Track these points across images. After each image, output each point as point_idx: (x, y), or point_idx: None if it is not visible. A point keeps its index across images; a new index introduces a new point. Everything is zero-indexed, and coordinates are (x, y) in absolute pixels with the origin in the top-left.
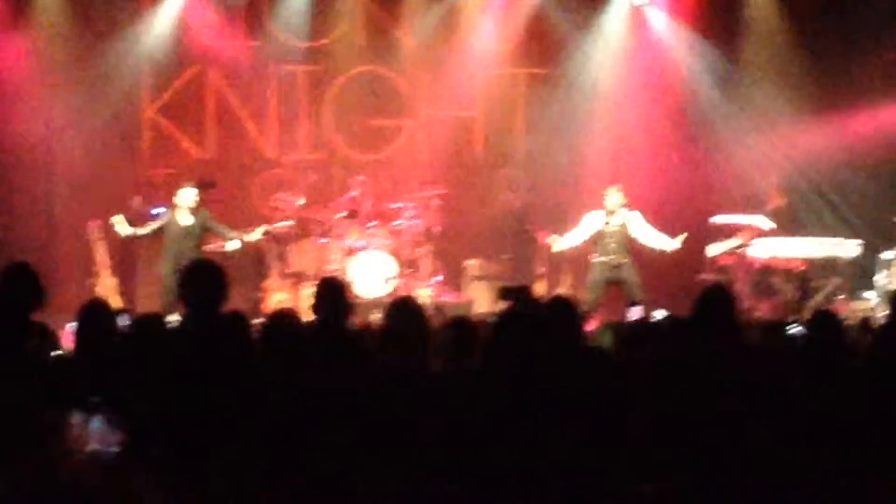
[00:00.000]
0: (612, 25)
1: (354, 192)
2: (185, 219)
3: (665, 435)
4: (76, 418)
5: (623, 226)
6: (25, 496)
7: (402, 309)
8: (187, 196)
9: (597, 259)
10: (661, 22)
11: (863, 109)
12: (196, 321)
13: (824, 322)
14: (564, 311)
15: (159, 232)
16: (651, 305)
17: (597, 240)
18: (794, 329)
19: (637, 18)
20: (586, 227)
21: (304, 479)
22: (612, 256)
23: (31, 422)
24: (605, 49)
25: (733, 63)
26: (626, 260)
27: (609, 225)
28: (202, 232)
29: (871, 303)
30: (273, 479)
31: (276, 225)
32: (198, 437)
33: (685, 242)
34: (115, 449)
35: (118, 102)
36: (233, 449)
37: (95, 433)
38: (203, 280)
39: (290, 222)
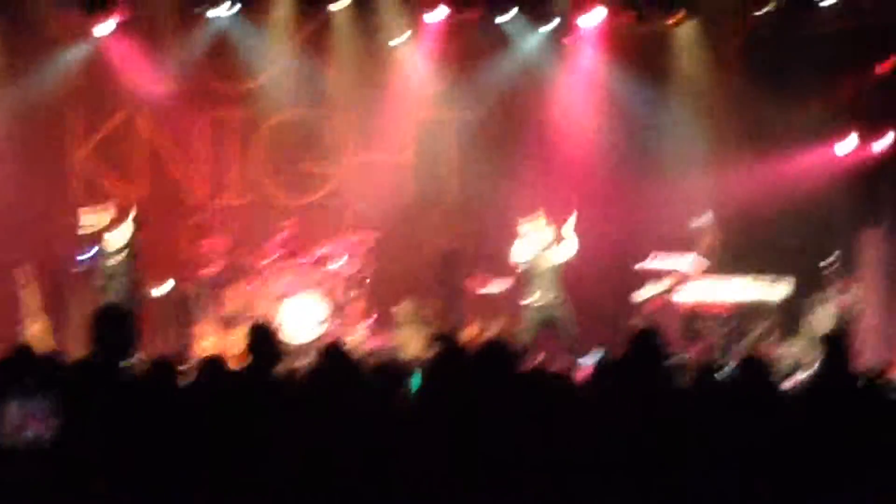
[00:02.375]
0: (543, 66)
1: (284, 236)
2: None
3: (597, 475)
4: (13, 405)
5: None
6: None
7: (331, 354)
8: (117, 236)
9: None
10: (590, 61)
11: (793, 150)
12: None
13: (752, 366)
14: (499, 356)
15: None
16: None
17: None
18: (723, 373)
19: (568, 58)
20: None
21: None
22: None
23: None
24: (536, 90)
25: (663, 104)
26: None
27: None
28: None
29: (798, 347)
30: None
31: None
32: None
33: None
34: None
35: (45, 143)
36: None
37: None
38: (112, 326)
39: (218, 266)
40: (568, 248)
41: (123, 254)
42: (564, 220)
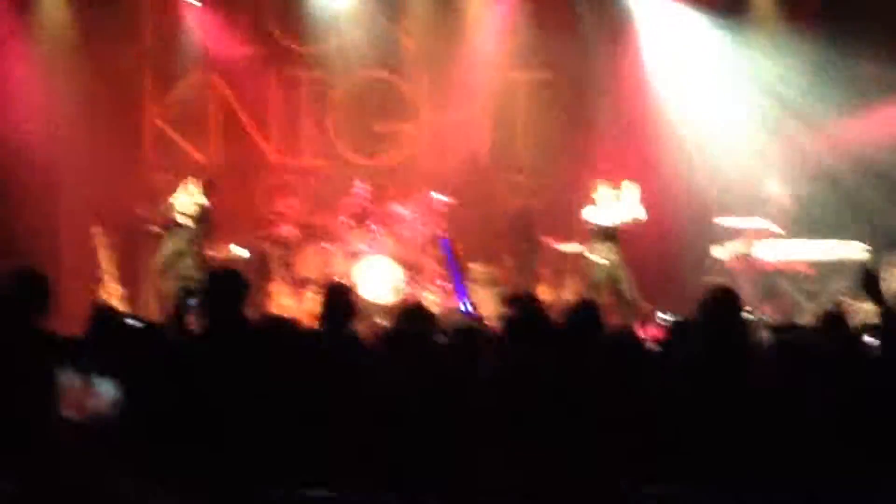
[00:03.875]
0: (619, 27)
1: (358, 198)
2: (182, 220)
3: (675, 439)
4: (74, 381)
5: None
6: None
7: (412, 315)
8: (187, 202)
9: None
10: (666, 25)
11: (869, 110)
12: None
13: (834, 322)
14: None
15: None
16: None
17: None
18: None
19: (635, 21)
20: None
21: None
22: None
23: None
24: (610, 52)
25: (738, 64)
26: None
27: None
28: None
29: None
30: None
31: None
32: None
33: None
34: (113, 413)
35: (120, 106)
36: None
37: (94, 396)
38: (226, 286)
39: (292, 227)
40: (635, 213)
41: (193, 220)
42: (633, 184)
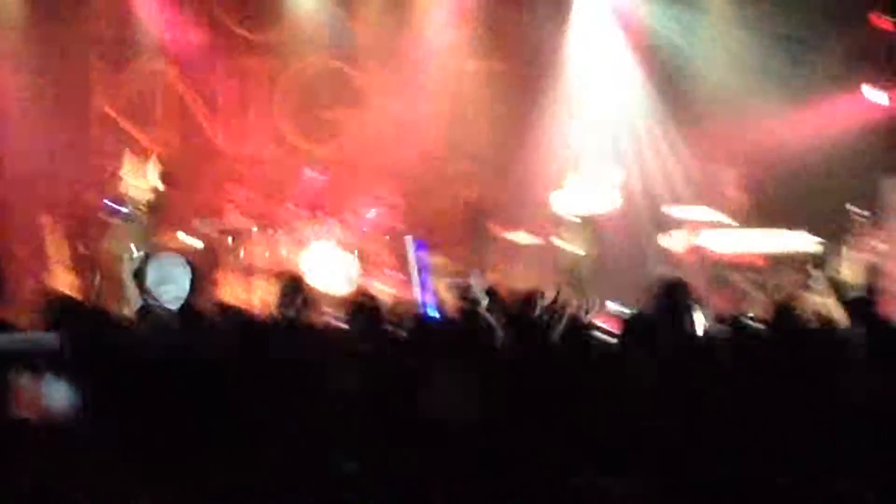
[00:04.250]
0: (574, 15)
1: (310, 185)
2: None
3: (632, 431)
4: (27, 381)
5: None
6: None
7: (361, 305)
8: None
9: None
10: (623, 12)
11: (817, 101)
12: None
13: (785, 316)
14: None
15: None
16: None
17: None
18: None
19: (599, 9)
20: None
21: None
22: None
23: None
24: (566, 40)
25: (691, 54)
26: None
27: None
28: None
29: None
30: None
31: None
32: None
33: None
34: (68, 413)
35: (68, 91)
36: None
37: (48, 396)
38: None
39: (240, 214)
40: (608, 201)
41: (144, 205)
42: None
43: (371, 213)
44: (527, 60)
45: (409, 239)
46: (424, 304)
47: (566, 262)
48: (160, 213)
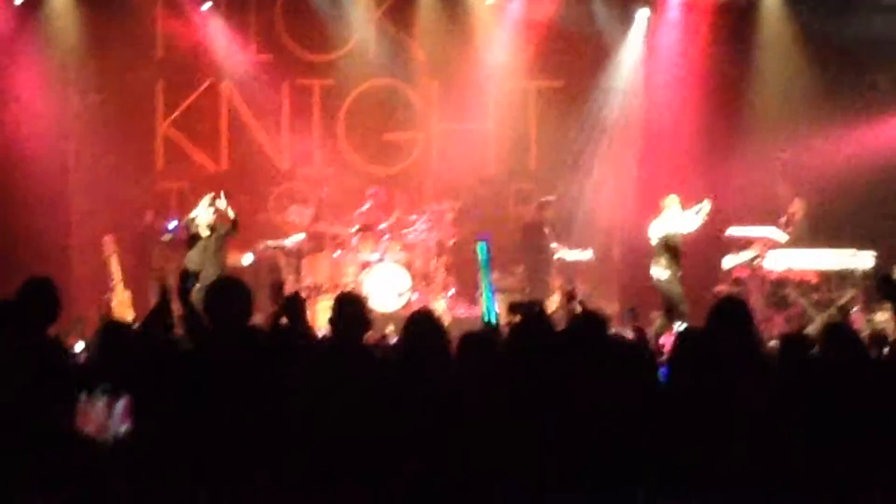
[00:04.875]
0: (626, 36)
1: (368, 205)
2: (204, 232)
3: (684, 450)
4: (83, 400)
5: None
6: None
7: (420, 323)
8: (208, 213)
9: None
10: (675, 32)
11: (877, 121)
12: (224, 335)
13: (838, 335)
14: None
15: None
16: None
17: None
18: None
19: (651, 30)
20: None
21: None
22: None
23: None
24: (618, 61)
25: (748, 75)
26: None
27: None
28: (218, 246)
29: (884, 316)
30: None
31: (284, 241)
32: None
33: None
34: (121, 432)
35: (132, 115)
36: (247, 452)
37: (101, 415)
38: (231, 296)
39: (302, 236)
40: (690, 225)
41: (212, 230)
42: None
43: (428, 232)
44: (585, 79)
45: (482, 242)
46: (488, 309)
47: (663, 285)
48: (230, 237)
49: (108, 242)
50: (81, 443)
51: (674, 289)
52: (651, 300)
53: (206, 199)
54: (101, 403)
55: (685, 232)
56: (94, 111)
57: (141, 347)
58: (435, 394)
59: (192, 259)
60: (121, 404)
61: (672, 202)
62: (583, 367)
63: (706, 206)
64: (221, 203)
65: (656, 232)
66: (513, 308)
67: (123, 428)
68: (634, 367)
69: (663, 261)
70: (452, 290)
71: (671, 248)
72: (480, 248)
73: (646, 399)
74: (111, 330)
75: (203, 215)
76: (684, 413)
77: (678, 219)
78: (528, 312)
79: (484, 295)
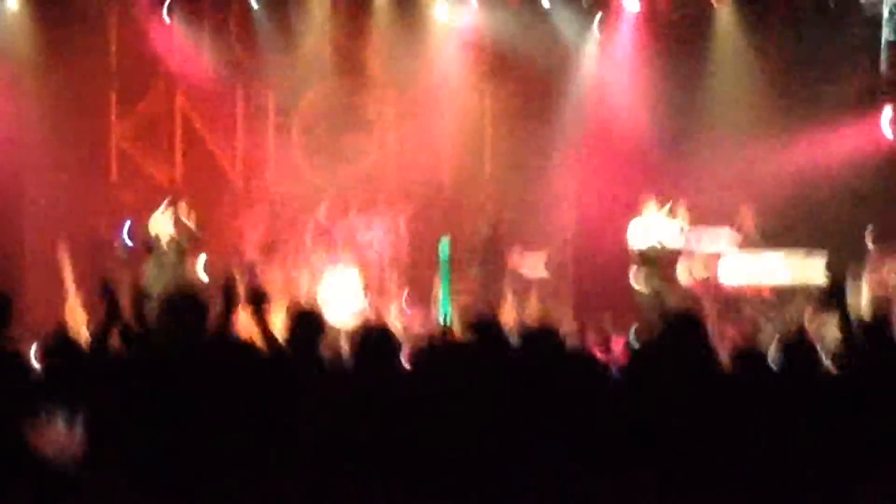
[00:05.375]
0: (581, 43)
1: (322, 213)
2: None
3: (635, 464)
4: (35, 422)
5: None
6: None
7: (371, 336)
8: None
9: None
10: (629, 40)
11: (831, 129)
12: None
13: (798, 348)
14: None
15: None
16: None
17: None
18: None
19: (606, 35)
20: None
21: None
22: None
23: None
24: (573, 68)
25: (701, 82)
26: None
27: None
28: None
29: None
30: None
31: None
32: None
33: None
34: (75, 453)
35: (84, 124)
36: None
37: (56, 436)
38: (185, 308)
39: (257, 243)
40: (680, 236)
41: (171, 241)
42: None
43: (382, 240)
44: (541, 85)
45: (444, 240)
46: (444, 309)
47: (640, 299)
48: (189, 248)
49: (62, 251)
50: (37, 465)
51: (645, 303)
52: (606, 309)
53: (163, 207)
54: (60, 422)
55: (669, 246)
56: (46, 120)
57: (91, 361)
58: (386, 408)
59: (151, 271)
60: (67, 418)
61: (650, 205)
62: (537, 381)
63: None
64: (182, 211)
65: (636, 242)
66: (469, 326)
67: (71, 443)
68: (587, 381)
69: (641, 274)
70: (405, 293)
71: (650, 261)
72: (443, 245)
73: (598, 414)
74: (60, 342)
75: (161, 224)
76: (638, 428)
77: (659, 228)
78: (484, 328)
79: (441, 294)
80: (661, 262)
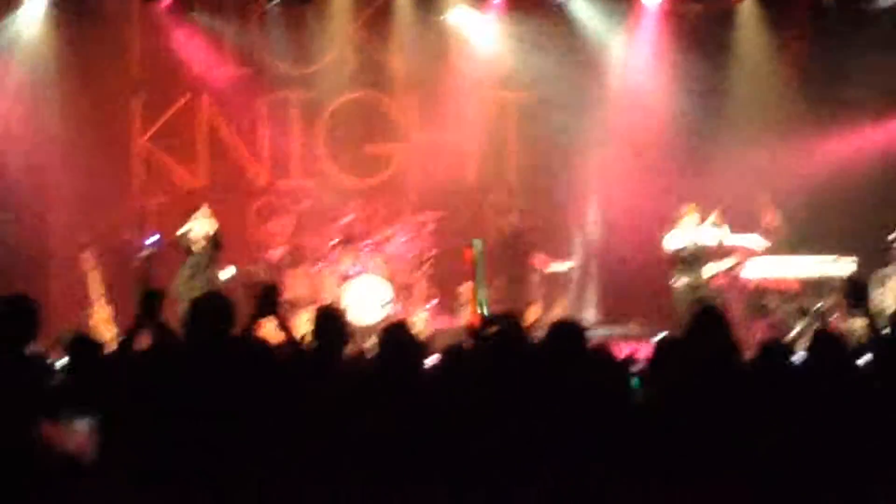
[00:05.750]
0: (605, 46)
1: (347, 218)
2: (198, 245)
3: (660, 460)
4: (50, 422)
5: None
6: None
7: (395, 335)
8: (199, 229)
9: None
10: (653, 40)
11: (854, 128)
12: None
13: (825, 342)
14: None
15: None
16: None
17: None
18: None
19: (631, 38)
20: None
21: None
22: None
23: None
24: (597, 71)
25: (725, 82)
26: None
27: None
28: (209, 261)
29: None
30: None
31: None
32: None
33: None
34: (90, 453)
35: (109, 130)
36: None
37: (71, 437)
38: (214, 311)
39: (282, 249)
40: (716, 234)
41: (203, 245)
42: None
43: (408, 244)
44: (564, 90)
45: (477, 243)
46: (482, 304)
47: (678, 302)
48: (216, 252)
49: (87, 258)
50: (58, 467)
51: (680, 299)
52: (630, 310)
53: (203, 211)
54: (82, 426)
55: (701, 244)
56: (70, 127)
57: (114, 365)
58: (410, 405)
59: (183, 275)
60: (83, 422)
61: (690, 212)
62: (558, 378)
63: (715, 216)
64: (209, 216)
65: (671, 243)
66: (490, 320)
67: (85, 446)
68: (607, 378)
69: (675, 272)
70: (434, 302)
71: (683, 260)
72: (476, 245)
73: (619, 409)
74: (80, 346)
75: (199, 228)
76: (659, 422)
77: (695, 230)
78: (505, 324)
79: (479, 291)
80: (697, 262)
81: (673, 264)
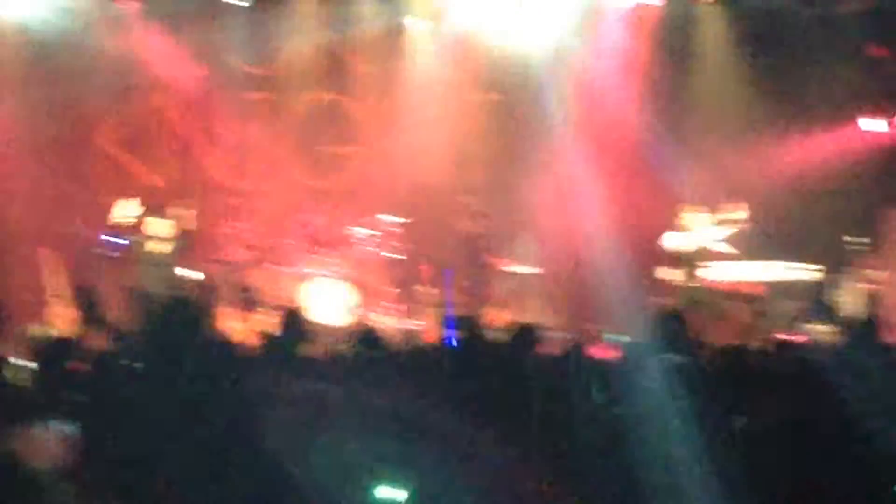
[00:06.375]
0: (570, 46)
1: (311, 220)
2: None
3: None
4: (22, 431)
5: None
6: None
7: (366, 338)
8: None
9: None
10: (619, 42)
11: (817, 132)
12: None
13: (785, 349)
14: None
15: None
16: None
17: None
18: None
19: (596, 39)
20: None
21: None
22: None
23: None
24: (563, 72)
25: (689, 84)
26: None
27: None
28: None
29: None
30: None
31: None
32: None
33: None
34: (60, 461)
35: (68, 127)
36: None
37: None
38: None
39: (244, 249)
40: (717, 237)
41: (168, 242)
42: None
43: (370, 246)
44: (530, 86)
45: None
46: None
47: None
48: (179, 251)
49: (46, 256)
50: (28, 474)
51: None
52: (594, 314)
53: (169, 210)
54: (50, 431)
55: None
56: (32, 125)
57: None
58: (378, 406)
59: (142, 275)
60: (61, 426)
61: (688, 214)
62: (518, 379)
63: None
64: (171, 215)
65: (669, 243)
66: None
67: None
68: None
69: (674, 272)
70: (397, 304)
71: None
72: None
73: (580, 412)
74: (51, 352)
75: (160, 228)
76: (621, 427)
77: (695, 231)
78: (466, 327)
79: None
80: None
81: (672, 264)
